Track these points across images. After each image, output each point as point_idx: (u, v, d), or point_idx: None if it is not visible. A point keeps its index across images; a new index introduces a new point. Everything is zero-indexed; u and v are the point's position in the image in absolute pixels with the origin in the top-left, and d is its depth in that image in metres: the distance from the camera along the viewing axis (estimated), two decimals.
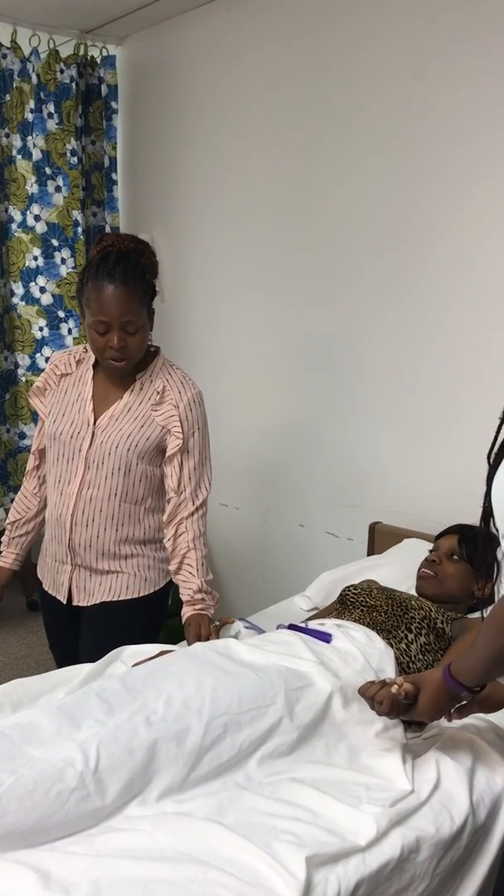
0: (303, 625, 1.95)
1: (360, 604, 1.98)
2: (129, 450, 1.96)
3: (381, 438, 2.81)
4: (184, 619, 1.99)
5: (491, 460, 1.32)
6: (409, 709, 1.47)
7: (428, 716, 1.48)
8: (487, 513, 1.32)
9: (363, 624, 1.89)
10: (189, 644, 1.89)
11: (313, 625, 1.94)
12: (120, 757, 1.37)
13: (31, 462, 2.20)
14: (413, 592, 2.14)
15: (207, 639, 1.89)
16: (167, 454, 1.99)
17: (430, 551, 2.18)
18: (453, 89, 2.41)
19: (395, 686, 1.46)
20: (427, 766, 1.54)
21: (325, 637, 1.82)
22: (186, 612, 1.99)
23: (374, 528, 2.76)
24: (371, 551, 2.76)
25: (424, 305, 2.60)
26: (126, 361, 1.94)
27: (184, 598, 2.01)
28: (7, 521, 2.23)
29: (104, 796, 1.34)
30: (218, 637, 1.92)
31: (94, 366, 2.07)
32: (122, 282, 1.85)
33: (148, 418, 1.98)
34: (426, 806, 1.45)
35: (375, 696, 1.46)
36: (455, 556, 2.11)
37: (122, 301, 1.85)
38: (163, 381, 2.00)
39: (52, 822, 1.29)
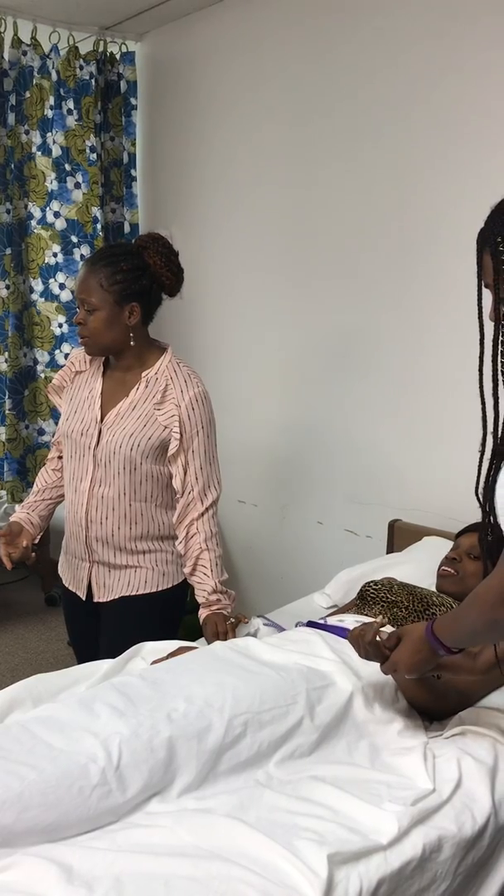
0: (321, 621, 1.94)
1: (380, 599, 1.97)
2: (132, 449, 1.95)
3: (400, 435, 2.79)
4: (201, 621, 1.99)
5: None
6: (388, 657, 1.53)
7: (405, 666, 1.50)
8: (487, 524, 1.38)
9: None
10: (208, 643, 1.89)
11: (332, 621, 1.94)
12: (142, 754, 1.37)
13: (53, 452, 2.23)
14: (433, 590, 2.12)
15: (225, 636, 1.89)
16: (169, 454, 1.97)
17: (452, 549, 2.16)
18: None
19: (376, 623, 1.55)
20: (448, 766, 1.53)
21: (344, 633, 1.81)
22: (203, 613, 1.99)
23: (393, 526, 2.75)
24: (391, 549, 2.74)
25: (444, 303, 2.58)
26: (88, 341, 1.98)
27: (199, 599, 2.00)
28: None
29: (125, 792, 1.34)
30: (234, 635, 1.92)
31: (105, 363, 2.07)
32: (89, 261, 1.98)
33: (151, 417, 1.97)
34: (448, 805, 1.44)
35: (369, 642, 1.54)
36: (475, 555, 2.09)
37: (82, 278, 1.95)
38: (166, 380, 1.99)
39: (74, 817, 1.29)
